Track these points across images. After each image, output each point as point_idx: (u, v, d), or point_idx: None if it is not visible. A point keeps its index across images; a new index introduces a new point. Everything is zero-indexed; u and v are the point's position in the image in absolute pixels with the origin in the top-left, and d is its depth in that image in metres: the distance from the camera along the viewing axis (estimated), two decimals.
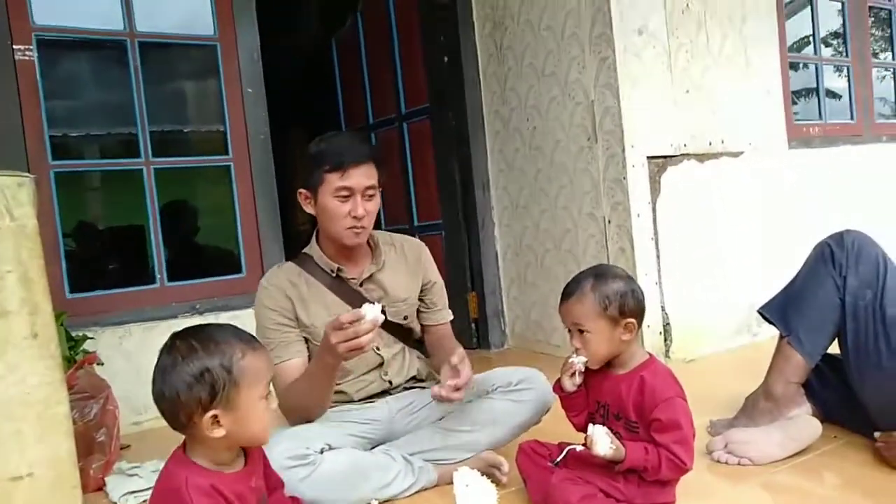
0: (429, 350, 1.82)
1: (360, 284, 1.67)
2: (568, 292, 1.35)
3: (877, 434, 1.51)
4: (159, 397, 1.01)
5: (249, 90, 2.66)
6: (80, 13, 2.46)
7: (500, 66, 3.05)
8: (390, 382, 1.70)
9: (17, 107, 2.26)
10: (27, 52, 2.30)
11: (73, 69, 2.65)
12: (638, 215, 2.48)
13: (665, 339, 2.54)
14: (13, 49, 2.26)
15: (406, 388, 1.74)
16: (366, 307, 1.34)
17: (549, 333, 2.93)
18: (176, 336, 1.05)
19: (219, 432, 1.01)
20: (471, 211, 3.21)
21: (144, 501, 1.66)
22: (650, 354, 1.38)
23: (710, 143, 2.75)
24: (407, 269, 1.75)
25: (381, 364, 1.69)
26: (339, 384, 1.64)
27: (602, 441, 1.23)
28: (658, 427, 1.26)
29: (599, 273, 1.36)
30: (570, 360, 1.34)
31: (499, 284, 3.22)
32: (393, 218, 3.65)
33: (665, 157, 2.59)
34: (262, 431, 1.07)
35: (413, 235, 3.48)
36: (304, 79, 4.67)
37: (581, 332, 1.32)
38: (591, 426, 1.26)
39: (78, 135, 2.67)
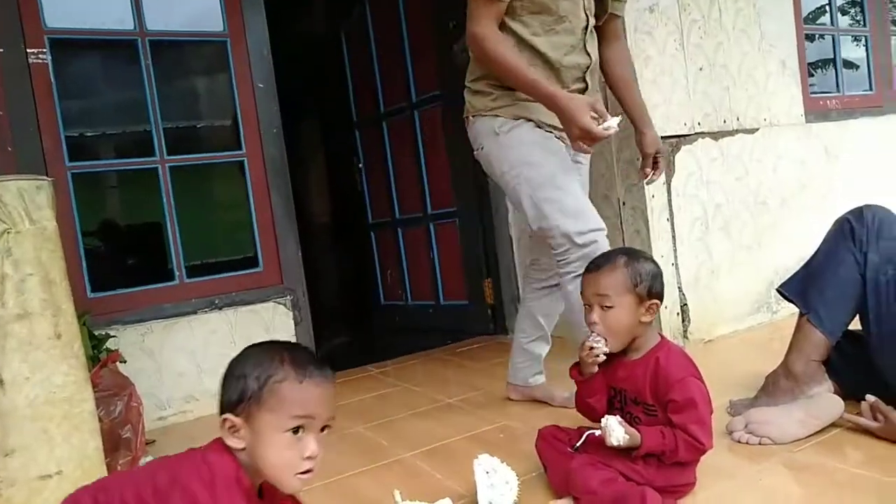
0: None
1: None
2: (597, 264, 1.35)
3: (869, 397, 1.50)
4: None
5: (260, 85, 2.67)
6: (90, 14, 2.47)
7: None
8: (590, 56, 1.82)
9: (32, 109, 2.28)
10: (40, 55, 2.32)
11: (86, 70, 2.67)
12: (653, 196, 2.46)
13: (683, 321, 2.53)
14: (27, 52, 2.29)
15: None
16: (613, 120, 1.58)
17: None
18: (272, 343, 1.04)
19: (235, 442, 0.95)
20: (484, 197, 3.20)
21: None
22: (662, 336, 1.38)
23: (725, 121, 2.71)
24: None
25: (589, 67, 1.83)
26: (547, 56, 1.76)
27: (616, 431, 1.23)
28: (674, 408, 1.26)
29: (630, 252, 1.38)
30: (591, 344, 1.31)
31: (514, 270, 3.21)
32: (406, 206, 3.66)
33: (679, 136, 2.55)
34: (277, 469, 0.95)
35: (427, 223, 3.53)
36: (315, 70, 4.67)
37: (604, 306, 1.31)
38: (604, 418, 1.26)
39: (93, 135, 2.70)
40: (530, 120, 1.78)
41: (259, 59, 2.67)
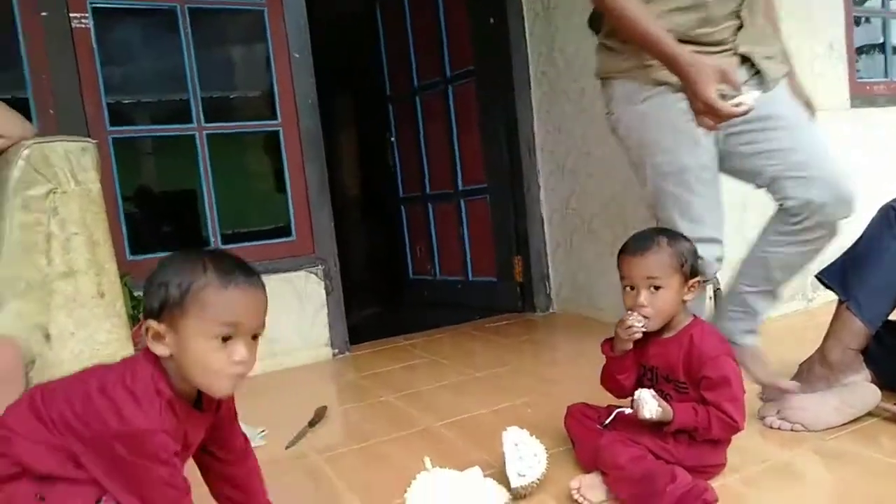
0: None
1: None
2: (641, 246, 1.31)
3: None
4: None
5: (297, 55, 2.67)
6: None
7: (548, 25, 2.98)
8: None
9: (75, 74, 2.32)
10: (83, 20, 2.35)
11: (127, 37, 2.70)
12: None
13: (715, 305, 2.49)
14: (70, 17, 2.32)
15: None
16: (749, 95, 1.34)
17: (595, 298, 2.92)
18: (193, 250, 0.99)
19: (160, 349, 0.92)
20: (517, 174, 3.18)
21: None
22: (694, 315, 1.37)
23: None
24: None
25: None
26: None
27: (649, 404, 1.23)
28: (707, 385, 1.25)
29: (668, 232, 1.35)
30: (631, 322, 1.29)
31: (544, 249, 3.20)
32: (437, 182, 3.65)
33: None
34: (204, 373, 0.92)
35: (458, 200, 3.52)
36: (350, 44, 4.67)
37: (655, 287, 1.28)
38: (637, 391, 1.26)
39: (133, 101, 2.74)
40: (678, 90, 1.43)
41: (296, 30, 2.67)
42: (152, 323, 0.92)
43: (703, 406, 1.25)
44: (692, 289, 1.32)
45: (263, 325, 0.96)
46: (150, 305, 0.93)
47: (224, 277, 0.92)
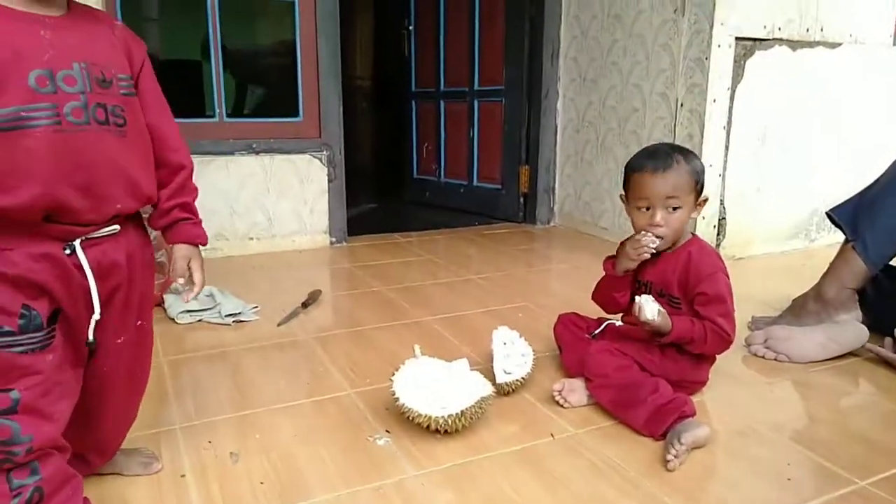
0: None
1: None
2: (662, 164, 1.24)
3: None
4: None
5: None
6: None
7: None
8: None
9: None
10: None
11: None
12: (714, 100, 2.33)
13: (718, 234, 2.48)
14: None
15: None
16: None
17: (599, 216, 2.89)
18: None
19: None
20: (535, 80, 3.07)
21: (200, 320, 1.78)
22: (693, 234, 1.35)
23: (808, 30, 2.51)
24: None
25: None
26: None
27: (649, 306, 1.22)
28: (702, 301, 1.26)
29: (680, 149, 1.30)
30: (645, 240, 1.25)
31: (554, 160, 3.14)
32: (452, 79, 3.53)
33: (755, 39, 2.38)
34: None
35: (471, 100, 3.41)
36: None
37: (673, 207, 1.25)
38: (637, 297, 1.26)
39: None
40: None
41: None
42: None
43: (698, 320, 1.26)
44: (699, 206, 1.30)
45: None
46: None
47: None
